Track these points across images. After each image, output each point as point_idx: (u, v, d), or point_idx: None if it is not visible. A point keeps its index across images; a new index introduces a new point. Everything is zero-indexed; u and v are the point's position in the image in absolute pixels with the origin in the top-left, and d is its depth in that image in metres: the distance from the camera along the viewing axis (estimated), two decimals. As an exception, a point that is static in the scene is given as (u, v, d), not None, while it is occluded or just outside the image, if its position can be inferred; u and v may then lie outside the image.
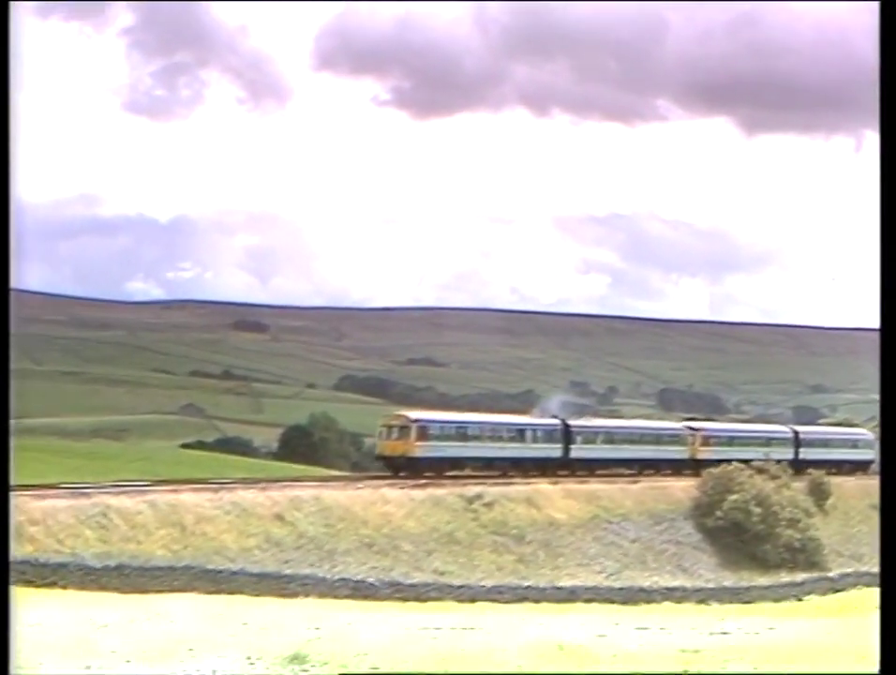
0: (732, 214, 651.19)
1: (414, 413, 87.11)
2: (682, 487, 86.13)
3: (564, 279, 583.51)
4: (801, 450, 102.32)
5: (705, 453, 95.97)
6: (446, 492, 74.93)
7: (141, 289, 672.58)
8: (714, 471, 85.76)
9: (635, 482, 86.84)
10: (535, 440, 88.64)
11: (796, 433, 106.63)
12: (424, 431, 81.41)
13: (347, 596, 56.63)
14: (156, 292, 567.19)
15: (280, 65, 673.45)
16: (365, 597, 56.72)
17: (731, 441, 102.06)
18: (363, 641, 13.66)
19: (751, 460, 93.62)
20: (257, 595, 50.90)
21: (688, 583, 74.52)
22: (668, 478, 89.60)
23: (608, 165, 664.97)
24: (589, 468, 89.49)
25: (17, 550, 54.80)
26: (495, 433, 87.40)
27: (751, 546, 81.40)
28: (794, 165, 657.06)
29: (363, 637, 14.94)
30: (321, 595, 55.13)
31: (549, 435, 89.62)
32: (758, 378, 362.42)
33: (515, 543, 73.79)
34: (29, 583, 48.99)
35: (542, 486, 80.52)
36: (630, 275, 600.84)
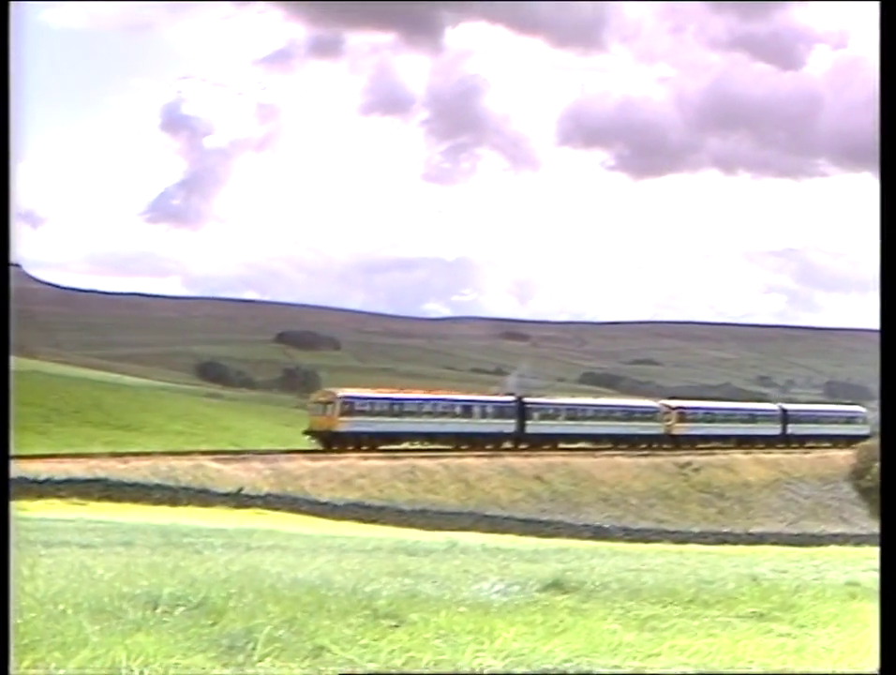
0: (876, 246, 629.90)
1: (344, 390, 71.39)
2: (844, 456, 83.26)
3: (751, 298, 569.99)
4: (790, 426, 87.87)
5: (681, 428, 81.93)
6: (663, 460, 74.27)
7: (434, 309, 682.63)
8: (867, 443, 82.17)
9: (808, 453, 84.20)
10: (484, 416, 72.87)
11: (784, 411, 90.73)
12: (349, 407, 66.76)
13: (588, 538, 56.28)
14: (445, 311, 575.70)
15: (533, 142, 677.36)
16: (602, 539, 56.27)
17: (710, 417, 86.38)
18: (602, 573, 13.53)
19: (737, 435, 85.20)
20: (521, 535, 50.91)
21: (847, 530, 72.00)
22: (834, 450, 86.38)
23: (783, 211, 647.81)
24: (552, 442, 74.58)
25: (349, 495, 56.17)
26: (436, 409, 71.38)
27: (893, 501, 78.40)
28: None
29: (602, 570, 14.77)
30: (569, 537, 54.88)
31: (501, 411, 73.77)
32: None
33: (717, 499, 72.54)
34: (359, 520, 50.01)
35: (737, 455, 78.97)
36: (801, 294, 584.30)
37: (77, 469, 48.72)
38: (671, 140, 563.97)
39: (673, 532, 62.28)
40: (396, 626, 7.82)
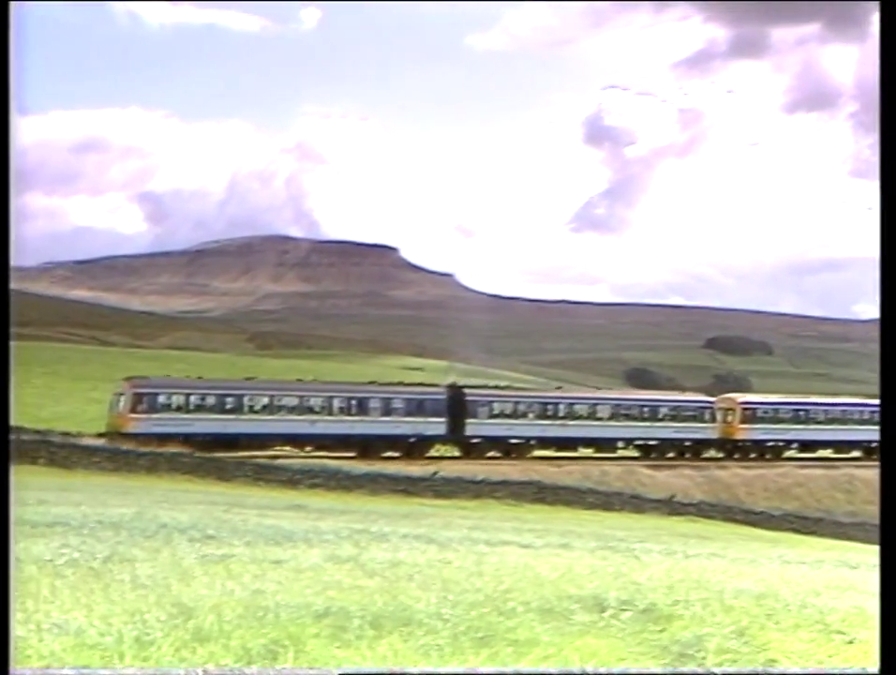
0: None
1: (143, 379, 55.14)
2: None
3: None
4: None
5: (749, 432, 63.66)
6: None
7: (866, 310, 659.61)
8: None
9: None
10: (388, 412, 55.67)
11: None
12: (147, 400, 50.80)
13: None
14: (876, 313, 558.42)
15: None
16: None
17: (798, 417, 65.86)
18: None
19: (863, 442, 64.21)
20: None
21: None
22: None
23: None
24: (519, 450, 57.89)
25: (785, 505, 54.89)
26: (302, 404, 54.13)
27: None
28: None
29: None
30: None
31: (419, 406, 56.46)
32: None
33: None
34: (795, 531, 48.60)
35: None
36: None
37: (512, 471, 50.57)
38: None
39: None
40: (850, 643, 7.54)
